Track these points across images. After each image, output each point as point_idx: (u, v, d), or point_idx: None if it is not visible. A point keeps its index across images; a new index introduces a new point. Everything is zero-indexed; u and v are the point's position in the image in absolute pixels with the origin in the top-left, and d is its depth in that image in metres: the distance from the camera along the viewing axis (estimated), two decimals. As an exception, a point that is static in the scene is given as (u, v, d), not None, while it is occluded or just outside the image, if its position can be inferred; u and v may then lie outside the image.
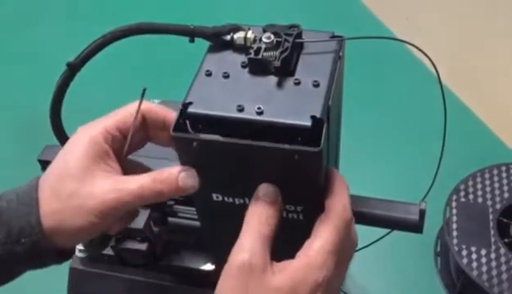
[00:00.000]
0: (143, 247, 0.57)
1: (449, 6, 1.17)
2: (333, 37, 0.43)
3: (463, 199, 0.71)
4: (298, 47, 0.42)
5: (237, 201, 0.44)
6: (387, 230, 0.54)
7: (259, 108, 0.38)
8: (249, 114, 0.38)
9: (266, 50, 0.41)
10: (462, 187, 0.72)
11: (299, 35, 0.42)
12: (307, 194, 0.41)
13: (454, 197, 0.71)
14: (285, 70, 0.41)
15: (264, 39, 0.41)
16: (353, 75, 1.01)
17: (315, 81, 0.40)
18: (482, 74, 1.02)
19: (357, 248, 0.56)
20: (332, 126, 0.42)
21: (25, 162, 0.90)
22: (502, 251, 0.65)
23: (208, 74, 0.42)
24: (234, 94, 0.40)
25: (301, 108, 0.38)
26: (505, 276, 0.62)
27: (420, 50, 0.49)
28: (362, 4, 1.17)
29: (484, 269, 0.63)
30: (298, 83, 0.40)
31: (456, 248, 0.65)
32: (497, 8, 1.16)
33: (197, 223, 0.58)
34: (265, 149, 0.38)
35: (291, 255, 0.39)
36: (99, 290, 0.64)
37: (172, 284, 0.59)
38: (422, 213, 0.50)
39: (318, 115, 0.37)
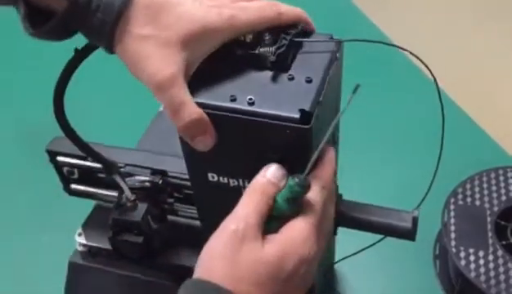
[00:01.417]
0: (139, 239, 0.58)
1: (448, 11, 1.18)
2: (331, 39, 0.45)
3: (461, 202, 0.71)
4: (295, 46, 0.44)
5: (232, 182, 0.46)
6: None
7: (251, 99, 0.40)
8: (241, 104, 0.40)
9: (263, 46, 0.42)
10: (460, 190, 0.73)
11: (298, 34, 0.44)
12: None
13: (452, 200, 0.72)
14: (280, 65, 0.42)
15: (262, 36, 0.42)
16: (352, 79, 1.03)
17: (308, 77, 0.41)
18: (479, 79, 1.03)
19: (355, 252, 0.57)
20: (326, 123, 0.43)
21: (28, 168, 0.92)
22: (500, 252, 0.65)
23: (208, 67, 0.43)
24: (229, 85, 0.42)
25: (291, 101, 0.40)
26: (502, 277, 0.63)
27: (417, 56, 0.50)
28: (361, 12, 1.18)
29: (482, 270, 0.64)
30: (291, 78, 0.42)
31: (454, 250, 0.66)
32: (496, 13, 1.16)
33: (196, 222, 0.59)
34: (260, 124, 0.40)
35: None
36: (96, 285, 0.64)
37: (170, 282, 0.60)
38: (415, 221, 0.51)
39: (307, 108, 0.39)
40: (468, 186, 0.73)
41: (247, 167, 0.43)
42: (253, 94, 0.41)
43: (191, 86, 0.41)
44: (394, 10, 1.21)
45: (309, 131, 0.39)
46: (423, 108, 0.97)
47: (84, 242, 0.63)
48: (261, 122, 0.40)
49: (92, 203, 0.72)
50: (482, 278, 0.63)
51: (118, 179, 0.57)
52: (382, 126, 0.95)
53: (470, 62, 1.06)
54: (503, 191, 0.72)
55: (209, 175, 0.46)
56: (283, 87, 0.41)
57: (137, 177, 0.58)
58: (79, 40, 0.43)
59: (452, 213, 0.70)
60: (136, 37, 0.39)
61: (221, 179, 0.46)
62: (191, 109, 0.40)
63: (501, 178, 0.73)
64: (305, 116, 0.39)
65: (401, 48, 0.49)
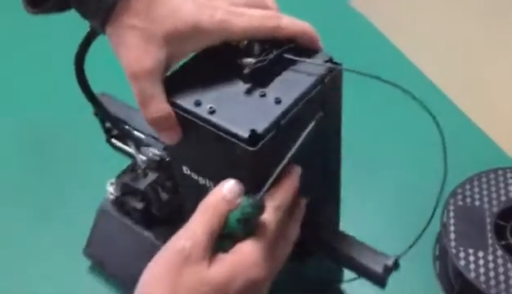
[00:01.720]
0: (139, 206, 0.61)
1: (447, 11, 1.18)
2: (327, 62, 0.43)
3: (460, 203, 0.71)
4: (283, 62, 0.42)
5: (201, 180, 0.46)
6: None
7: (211, 107, 0.40)
8: (201, 111, 0.40)
9: (250, 56, 0.41)
10: (459, 191, 0.73)
11: (290, 50, 0.42)
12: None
13: (451, 200, 0.72)
14: (257, 80, 0.41)
15: (252, 46, 0.42)
16: (352, 78, 1.03)
17: (278, 98, 0.40)
18: (479, 79, 1.03)
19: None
20: (301, 150, 0.42)
21: (30, 171, 0.92)
22: (499, 253, 0.65)
23: (193, 66, 0.44)
24: (202, 89, 0.42)
25: (249, 118, 0.39)
26: (502, 277, 0.63)
27: (415, 97, 0.47)
28: (359, 12, 1.18)
29: (482, 270, 0.64)
30: (263, 95, 0.40)
31: (454, 251, 0.66)
32: (497, 12, 1.16)
33: None
34: (214, 134, 0.39)
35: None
36: (115, 232, 0.69)
37: None
38: (387, 268, 0.49)
39: (259, 130, 0.38)
40: (467, 187, 0.73)
41: (212, 171, 0.43)
42: (219, 103, 0.40)
43: (170, 81, 0.42)
44: (393, 9, 1.21)
45: (256, 154, 0.38)
46: (421, 108, 0.97)
47: (112, 191, 0.66)
48: (214, 132, 0.39)
49: (92, 204, 0.73)
50: (482, 278, 0.63)
51: (132, 147, 0.59)
52: (382, 127, 0.95)
53: (470, 62, 1.06)
54: (502, 192, 0.72)
55: (183, 167, 0.46)
56: (250, 103, 0.40)
57: (151, 149, 0.60)
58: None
59: (452, 214, 0.70)
60: (124, 26, 0.40)
61: (192, 174, 0.46)
62: (159, 105, 0.40)
63: (501, 179, 0.73)
64: (254, 137, 0.38)
65: (400, 87, 0.47)
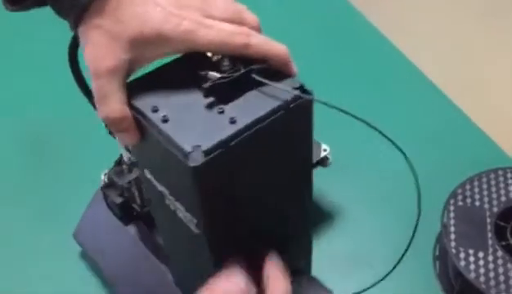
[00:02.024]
0: (117, 200, 0.62)
1: (447, 10, 1.18)
2: (297, 89, 0.41)
3: (460, 203, 0.71)
4: (251, 83, 0.41)
5: (159, 186, 0.45)
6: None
7: (165, 116, 0.39)
8: (155, 118, 0.40)
9: (218, 70, 0.41)
10: (459, 191, 0.73)
11: (258, 72, 0.41)
12: (196, 210, 0.41)
13: (452, 201, 0.72)
14: (214, 95, 0.40)
15: (223, 61, 0.41)
16: (351, 79, 1.03)
17: (234, 117, 0.39)
18: (479, 79, 1.03)
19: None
20: (253, 179, 0.41)
21: (30, 170, 0.92)
22: (499, 253, 0.65)
23: (164, 72, 0.43)
24: (165, 96, 0.41)
25: (199, 134, 0.38)
26: (502, 278, 0.63)
27: (387, 137, 0.47)
28: (358, 11, 1.18)
29: (482, 271, 0.64)
30: (221, 112, 0.40)
31: (454, 251, 0.66)
32: (497, 11, 1.16)
33: None
34: (162, 144, 0.39)
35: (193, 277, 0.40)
36: (103, 216, 0.70)
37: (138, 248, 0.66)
38: None
39: (204, 148, 0.37)
40: (467, 187, 0.73)
41: (166, 180, 0.43)
42: (175, 113, 0.40)
43: (136, 84, 0.42)
44: (393, 9, 1.21)
45: (196, 172, 0.37)
46: (422, 108, 0.98)
47: (103, 179, 0.68)
48: (163, 142, 0.39)
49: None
50: (482, 278, 0.63)
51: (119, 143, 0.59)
52: (380, 126, 0.95)
53: (470, 62, 1.06)
54: (503, 192, 0.72)
55: (145, 170, 0.46)
56: (206, 118, 0.39)
57: None
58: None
59: (452, 214, 0.70)
60: (92, 26, 0.40)
61: (152, 179, 0.46)
62: (115, 105, 0.41)
63: (501, 179, 0.73)
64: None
65: (368, 123, 0.45)
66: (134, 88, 0.42)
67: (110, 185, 0.64)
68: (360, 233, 0.80)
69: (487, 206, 0.71)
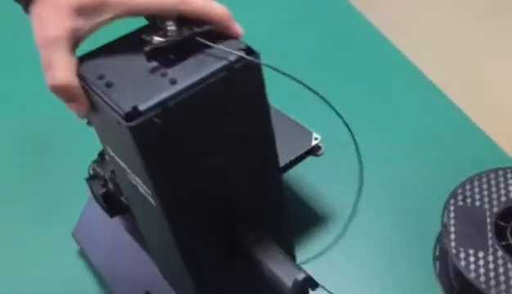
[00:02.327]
0: (99, 191, 0.61)
1: (447, 16, 1.18)
2: (243, 50, 0.41)
3: (461, 203, 0.71)
4: (195, 46, 0.41)
5: (120, 162, 0.45)
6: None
7: (108, 81, 0.40)
8: (99, 84, 0.40)
9: (163, 35, 0.41)
10: (460, 191, 0.73)
11: (204, 34, 0.41)
12: (146, 177, 0.41)
13: (452, 201, 0.72)
14: (157, 59, 0.41)
15: (167, 24, 0.41)
16: (351, 79, 1.03)
17: (174, 79, 0.39)
18: (479, 79, 1.03)
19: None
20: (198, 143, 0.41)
21: (30, 170, 0.92)
22: (499, 253, 0.65)
23: (115, 43, 0.44)
24: (112, 64, 0.42)
25: (137, 97, 0.38)
26: (502, 278, 0.63)
27: (323, 98, 0.45)
28: (358, 11, 1.18)
29: (482, 271, 0.64)
30: (163, 75, 0.40)
31: (454, 251, 0.66)
32: (497, 11, 1.16)
33: None
34: (106, 108, 0.39)
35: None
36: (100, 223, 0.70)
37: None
38: (296, 284, 0.45)
39: (141, 108, 0.37)
40: (467, 187, 0.73)
41: (122, 153, 0.43)
42: (119, 79, 0.40)
43: (87, 57, 0.43)
44: (393, 9, 1.21)
45: (134, 132, 0.37)
46: (421, 108, 0.98)
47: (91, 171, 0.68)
48: (105, 107, 0.39)
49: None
50: (482, 278, 0.63)
51: None
52: (381, 126, 0.95)
53: (470, 62, 1.06)
54: (503, 192, 0.72)
55: (107, 147, 0.47)
56: (148, 81, 0.39)
57: None
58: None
59: (452, 214, 0.70)
60: (39, 3, 0.43)
61: (114, 155, 0.46)
62: (59, 74, 0.42)
63: (501, 179, 0.73)
64: (134, 114, 0.37)
65: (307, 86, 0.43)
66: (84, 61, 0.43)
67: (94, 177, 0.64)
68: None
69: (487, 206, 0.71)
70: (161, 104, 0.37)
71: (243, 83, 0.41)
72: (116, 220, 0.67)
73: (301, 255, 0.75)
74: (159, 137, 0.38)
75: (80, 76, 0.42)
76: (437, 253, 0.75)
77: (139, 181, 0.43)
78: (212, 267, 0.51)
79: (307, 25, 1.16)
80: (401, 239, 0.79)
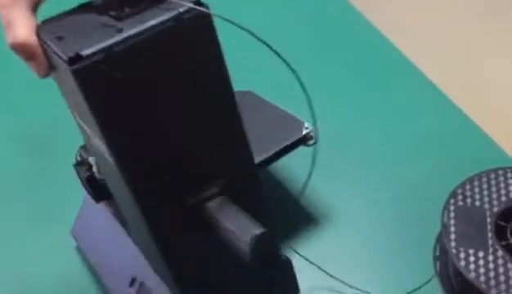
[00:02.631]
0: (84, 175, 0.61)
1: (448, 16, 1.18)
2: (192, 1, 0.41)
3: (461, 203, 0.71)
4: (147, 1, 0.42)
5: (85, 127, 0.46)
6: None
7: (60, 36, 0.41)
8: (51, 38, 0.41)
9: None
10: (460, 191, 0.73)
11: None
12: (96, 129, 0.42)
13: (452, 201, 0.72)
14: (106, 13, 0.42)
15: None
16: (351, 78, 1.03)
17: (121, 28, 0.40)
18: (479, 78, 1.03)
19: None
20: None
21: (30, 171, 0.92)
22: (499, 253, 0.65)
23: (77, 9, 0.45)
24: (67, 23, 0.43)
25: (84, 44, 0.39)
26: (502, 278, 0.63)
27: (271, 47, 0.45)
28: (358, 11, 1.18)
29: (482, 271, 0.64)
30: (112, 26, 0.41)
31: (454, 251, 0.66)
32: (497, 11, 1.16)
33: None
34: (58, 62, 0.40)
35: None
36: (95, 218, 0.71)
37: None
38: (253, 240, 0.42)
39: (84, 53, 0.38)
40: (467, 187, 0.73)
41: (82, 114, 0.43)
42: (71, 33, 0.41)
43: (48, 21, 0.44)
44: (393, 9, 1.21)
45: (76, 75, 0.38)
46: (421, 108, 0.98)
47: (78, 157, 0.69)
48: (55, 58, 0.40)
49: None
50: (482, 278, 0.63)
51: None
52: (381, 126, 0.95)
53: (470, 62, 1.06)
54: (503, 192, 0.72)
55: (74, 114, 0.47)
56: (97, 32, 0.40)
57: None
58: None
59: (452, 214, 0.70)
60: None
61: (81, 122, 0.46)
62: (18, 31, 0.42)
63: (501, 179, 0.73)
64: (76, 58, 0.38)
65: (252, 33, 0.44)
66: (44, 23, 0.44)
67: (81, 163, 0.64)
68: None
69: (487, 206, 0.71)
70: (105, 49, 0.38)
71: (193, 34, 0.42)
72: (109, 211, 0.67)
73: (300, 250, 0.75)
74: (106, 85, 0.39)
75: (38, 35, 0.43)
76: (438, 253, 0.75)
77: (98, 142, 0.43)
78: (176, 232, 0.50)
79: (307, 25, 1.16)
80: (402, 239, 0.79)
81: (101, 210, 0.67)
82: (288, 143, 0.72)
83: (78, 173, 0.64)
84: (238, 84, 0.88)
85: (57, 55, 0.39)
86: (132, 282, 0.64)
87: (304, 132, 0.73)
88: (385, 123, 0.95)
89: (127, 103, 0.41)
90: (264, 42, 0.45)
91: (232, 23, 0.42)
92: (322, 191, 0.84)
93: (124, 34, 0.39)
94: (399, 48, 1.08)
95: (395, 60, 1.06)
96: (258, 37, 0.44)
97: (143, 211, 0.46)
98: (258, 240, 0.42)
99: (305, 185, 0.85)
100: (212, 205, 0.48)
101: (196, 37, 0.42)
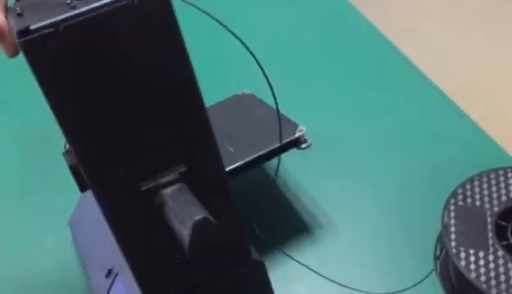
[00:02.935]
0: (70, 163, 0.59)
1: (448, 16, 1.18)
2: None
3: (461, 203, 0.71)
4: None
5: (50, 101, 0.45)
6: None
7: (21, 13, 0.41)
8: (13, 16, 0.42)
9: None
10: (460, 191, 0.73)
11: None
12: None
13: (452, 200, 0.72)
14: None
15: None
16: (351, 78, 1.03)
17: (75, 5, 0.40)
18: (479, 79, 1.03)
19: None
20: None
21: (29, 171, 0.92)
22: (500, 253, 0.65)
23: None
24: (31, 4, 0.43)
25: (36, 20, 0.39)
26: (502, 278, 0.63)
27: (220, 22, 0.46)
28: (359, 12, 1.18)
29: (482, 271, 0.64)
30: (68, 4, 0.41)
31: (455, 251, 0.66)
32: (496, 12, 1.17)
33: None
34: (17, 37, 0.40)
35: None
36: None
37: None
38: (195, 226, 0.42)
39: (33, 27, 0.39)
40: (468, 187, 0.73)
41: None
42: (30, 11, 0.41)
43: (16, 4, 0.44)
44: (393, 9, 1.21)
45: (26, 47, 0.39)
46: (421, 108, 0.98)
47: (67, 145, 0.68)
48: (13, 33, 0.40)
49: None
50: (483, 278, 0.63)
51: None
52: (381, 126, 0.95)
53: (470, 62, 1.06)
54: (503, 191, 0.72)
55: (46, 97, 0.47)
56: (53, 10, 0.41)
57: None
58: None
59: (453, 214, 0.70)
60: None
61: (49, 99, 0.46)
62: None
63: (501, 178, 0.73)
64: (25, 32, 0.39)
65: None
66: (13, 5, 0.44)
67: (69, 151, 0.64)
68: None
69: (487, 205, 0.71)
70: (53, 24, 0.39)
71: (148, 13, 0.42)
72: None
73: (300, 255, 0.75)
74: (54, 59, 0.40)
75: (5, 18, 0.43)
76: (438, 253, 0.75)
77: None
78: (131, 218, 0.49)
79: (307, 25, 1.16)
80: (402, 239, 0.79)
81: (94, 201, 0.67)
82: (279, 144, 0.71)
83: (66, 161, 0.63)
84: (244, 86, 0.90)
85: (16, 32, 0.40)
86: (109, 272, 0.64)
87: (297, 135, 0.73)
88: (385, 123, 0.95)
89: (75, 78, 0.41)
90: (223, 25, 0.45)
91: (193, 5, 0.43)
92: (321, 192, 0.84)
93: (76, 11, 0.40)
94: (399, 48, 1.08)
95: (395, 59, 1.06)
96: (218, 20, 0.45)
97: (96, 192, 0.46)
98: (197, 225, 0.41)
99: (301, 187, 0.85)
100: (167, 192, 0.47)
101: (153, 16, 0.42)
